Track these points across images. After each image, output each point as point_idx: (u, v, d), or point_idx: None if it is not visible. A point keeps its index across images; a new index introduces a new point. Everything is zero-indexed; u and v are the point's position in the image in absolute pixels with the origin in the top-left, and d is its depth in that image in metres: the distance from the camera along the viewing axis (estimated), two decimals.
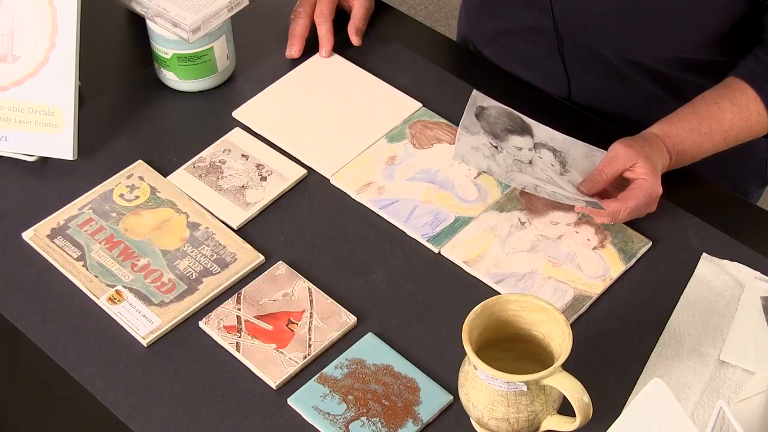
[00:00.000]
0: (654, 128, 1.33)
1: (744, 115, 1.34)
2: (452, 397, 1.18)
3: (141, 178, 1.37)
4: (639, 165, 1.27)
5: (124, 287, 1.27)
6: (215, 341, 1.23)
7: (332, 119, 1.44)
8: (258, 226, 1.34)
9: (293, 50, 1.51)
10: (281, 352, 1.21)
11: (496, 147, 1.32)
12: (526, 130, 1.36)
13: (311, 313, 1.24)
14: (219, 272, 1.28)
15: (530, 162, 1.32)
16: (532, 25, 1.49)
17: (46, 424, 1.18)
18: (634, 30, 1.40)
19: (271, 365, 1.20)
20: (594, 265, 1.29)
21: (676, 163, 1.34)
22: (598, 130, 1.42)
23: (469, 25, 1.63)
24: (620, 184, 1.30)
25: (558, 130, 1.37)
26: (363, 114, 1.45)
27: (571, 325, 1.22)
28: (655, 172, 1.28)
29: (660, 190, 1.29)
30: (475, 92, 1.37)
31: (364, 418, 1.16)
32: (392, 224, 1.33)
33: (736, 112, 1.34)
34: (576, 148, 1.36)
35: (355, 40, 1.52)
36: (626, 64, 1.46)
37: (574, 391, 1.07)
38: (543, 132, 1.37)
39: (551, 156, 1.34)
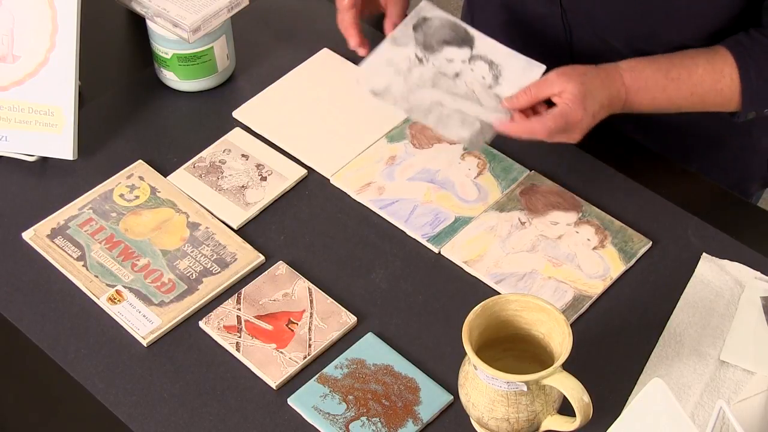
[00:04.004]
0: (621, 62, 1.33)
1: (716, 76, 1.33)
2: (452, 397, 1.18)
3: (141, 178, 1.37)
4: (567, 91, 1.27)
5: (124, 287, 1.27)
6: (215, 341, 1.23)
7: (332, 119, 1.44)
8: (258, 226, 1.34)
9: (351, 42, 1.42)
10: (281, 352, 1.21)
11: (420, 60, 1.30)
12: (466, 42, 1.33)
13: (311, 313, 1.24)
14: (219, 272, 1.28)
15: (456, 75, 1.31)
16: (541, 14, 1.48)
17: (46, 424, 1.18)
18: (644, 18, 1.40)
19: (271, 365, 1.20)
20: (594, 265, 1.29)
21: (633, 102, 1.32)
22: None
23: (473, 17, 1.63)
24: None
25: None
26: (363, 114, 1.44)
27: (571, 325, 1.22)
28: (581, 101, 1.26)
29: (581, 118, 1.27)
30: (423, 2, 1.33)
31: (364, 418, 1.16)
32: (392, 224, 1.33)
33: (708, 70, 1.33)
34: (516, 62, 1.33)
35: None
36: (635, 54, 1.46)
37: (574, 391, 1.07)
38: (486, 44, 1.34)
39: (486, 68, 1.32)
